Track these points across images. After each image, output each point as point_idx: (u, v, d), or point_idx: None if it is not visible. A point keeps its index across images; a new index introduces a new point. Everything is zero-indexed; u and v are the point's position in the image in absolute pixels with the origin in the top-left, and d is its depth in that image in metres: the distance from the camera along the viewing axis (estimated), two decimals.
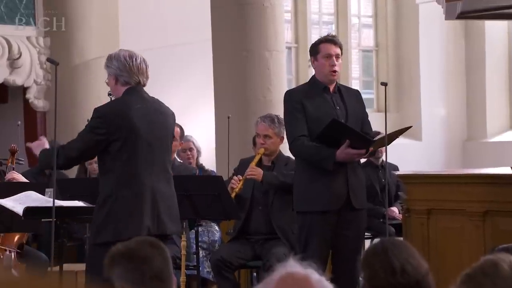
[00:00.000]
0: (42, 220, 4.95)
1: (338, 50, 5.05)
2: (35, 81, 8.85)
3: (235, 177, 5.87)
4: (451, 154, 10.64)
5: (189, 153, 7.17)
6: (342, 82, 9.92)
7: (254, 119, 7.05)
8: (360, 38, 11.10)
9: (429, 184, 5.55)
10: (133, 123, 4.26)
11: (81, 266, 5.64)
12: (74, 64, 8.74)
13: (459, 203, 5.30)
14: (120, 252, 2.69)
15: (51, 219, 4.55)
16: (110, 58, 4.39)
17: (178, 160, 6.61)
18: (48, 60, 4.62)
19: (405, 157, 9.38)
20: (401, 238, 2.70)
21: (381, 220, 7.31)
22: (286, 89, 7.95)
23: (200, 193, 5.30)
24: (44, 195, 5.45)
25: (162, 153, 4.37)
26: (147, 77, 4.39)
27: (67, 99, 8.36)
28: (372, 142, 4.90)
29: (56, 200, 4.60)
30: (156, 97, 4.60)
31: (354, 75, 10.86)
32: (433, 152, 10.43)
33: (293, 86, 10.20)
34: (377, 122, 7.53)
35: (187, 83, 9.23)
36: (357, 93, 5.26)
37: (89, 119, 4.44)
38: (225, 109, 7.52)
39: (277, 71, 7.67)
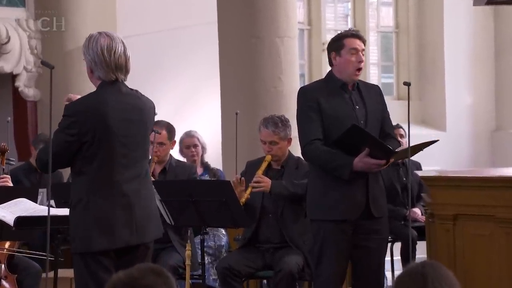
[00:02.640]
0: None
1: (363, 45, 5.02)
2: (25, 68, 8.83)
3: (235, 179, 5.87)
4: (478, 146, 10.61)
5: (193, 150, 7.15)
6: None
7: (264, 112, 7.02)
8: (379, 17, 11.05)
9: (455, 187, 5.52)
10: (107, 123, 4.17)
11: None
12: (68, 50, 8.72)
13: (488, 208, 5.27)
14: (121, 281, 2.69)
15: (44, 228, 4.53)
16: (87, 45, 4.25)
17: (176, 158, 6.51)
18: (42, 63, 4.55)
19: (428, 149, 9.32)
20: (436, 262, 2.68)
21: (402, 222, 7.31)
22: (298, 78, 7.94)
23: (206, 199, 5.29)
24: (37, 198, 5.47)
25: (138, 153, 4.30)
26: (126, 72, 4.27)
27: (60, 87, 8.33)
28: (393, 153, 4.86)
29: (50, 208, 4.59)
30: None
31: (372, 59, 10.81)
32: (458, 143, 10.40)
33: (306, 72, 10.20)
34: (397, 112, 7.52)
35: (191, 71, 9.20)
36: (377, 89, 5.20)
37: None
38: (232, 102, 7.50)
39: (289, 59, 7.63)
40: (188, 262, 5.48)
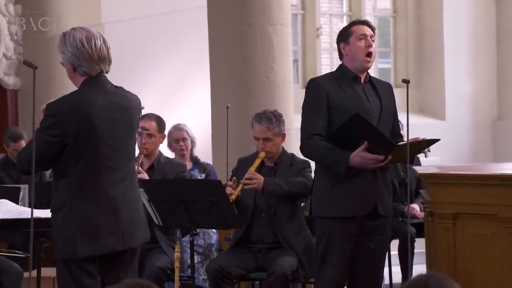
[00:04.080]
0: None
1: (371, 32, 5.01)
2: (4, 55, 8.81)
3: (229, 182, 5.85)
4: (479, 136, 10.62)
5: (182, 143, 7.15)
6: None
7: (256, 103, 7.02)
8: (376, 0, 11.03)
9: (455, 185, 5.51)
10: (92, 122, 4.13)
11: None
12: (50, 36, 8.70)
13: (490, 206, 5.28)
14: None
15: (27, 231, 4.52)
16: (63, 42, 4.20)
17: (165, 156, 6.44)
18: (24, 63, 4.48)
19: None
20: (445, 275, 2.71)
21: (400, 218, 7.32)
22: (292, 67, 7.93)
23: (196, 198, 5.28)
24: (18, 197, 5.46)
25: (124, 154, 4.28)
26: (109, 62, 4.24)
27: (43, 74, 8.28)
28: (394, 148, 4.84)
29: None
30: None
31: None
32: (458, 133, 10.40)
33: (299, 58, 10.18)
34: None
35: (179, 58, 9.18)
36: (389, 87, 5.19)
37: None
38: (222, 92, 7.49)
39: (281, 48, 7.62)
40: (177, 264, 5.49)
